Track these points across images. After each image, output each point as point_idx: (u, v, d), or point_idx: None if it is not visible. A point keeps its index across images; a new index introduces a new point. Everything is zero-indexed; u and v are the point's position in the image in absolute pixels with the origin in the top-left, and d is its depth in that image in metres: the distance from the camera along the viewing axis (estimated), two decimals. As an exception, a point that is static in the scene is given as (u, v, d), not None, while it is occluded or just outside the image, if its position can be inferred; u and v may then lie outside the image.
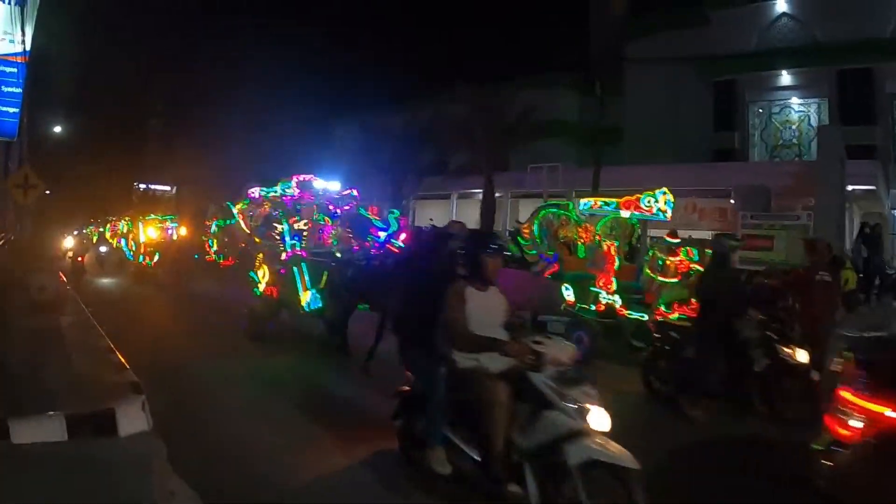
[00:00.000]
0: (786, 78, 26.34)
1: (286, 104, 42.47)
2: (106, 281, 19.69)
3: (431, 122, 21.43)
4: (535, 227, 9.98)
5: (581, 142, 29.57)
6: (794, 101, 26.56)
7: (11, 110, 10.40)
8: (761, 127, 26.97)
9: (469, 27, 61.30)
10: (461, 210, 27.81)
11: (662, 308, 8.71)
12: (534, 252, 10.04)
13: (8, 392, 4.08)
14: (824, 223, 14.28)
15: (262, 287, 10.20)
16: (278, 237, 9.94)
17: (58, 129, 36.05)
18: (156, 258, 19.99)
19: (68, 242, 25.62)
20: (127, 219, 24.74)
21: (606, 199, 9.38)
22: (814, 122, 26.03)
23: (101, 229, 36.59)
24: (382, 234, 9.95)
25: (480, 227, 20.12)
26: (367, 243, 10.04)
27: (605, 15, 37.80)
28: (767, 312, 6.71)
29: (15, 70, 10.06)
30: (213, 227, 20.71)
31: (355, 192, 10.71)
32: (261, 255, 10.38)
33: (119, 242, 24.18)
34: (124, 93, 49.42)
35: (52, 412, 3.30)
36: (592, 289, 9.47)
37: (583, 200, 9.98)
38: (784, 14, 26.46)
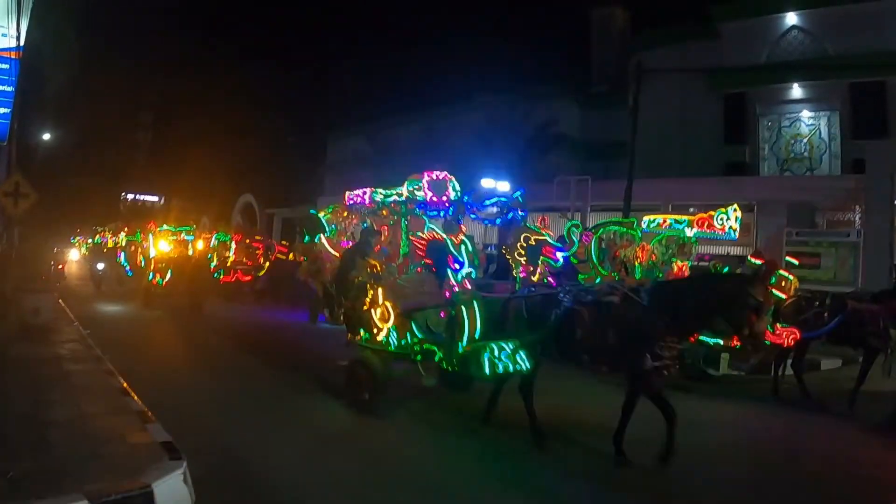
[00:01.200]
0: (796, 91, 25.92)
1: (283, 114, 41.60)
2: (108, 304, 17.32)
3: (443, 133, 20.54)
4: (592, 246, 9.19)
5: (585, 156, 28.94)
6: (805, 114, 26.07)
7: (2, 110, 9.47)
8: (772, 140, 26.46)
9: (470, 37, 61.08)
10: (472, 226, 27.07)
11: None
12: (591, 273, 9.25)
13: (9, 460, 3.17)
14: (875, 240, 13.61)
15: (380, 332, 7.34)
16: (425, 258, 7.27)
17: (47, 136, 34.96)
18: (167, 276, 17.18)
19: (73, 255, 24.46)
20: (126, 230, 22.82)
21: (677, 217, 8.62)
22: (824, 135, 25.59)
23: (91, 240, 35.26)
24: (560, 255, 7.63)
25: (498, 244, 19.29)
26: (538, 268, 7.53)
27: (607, 29, 37.68)
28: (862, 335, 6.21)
29: (7, 66, 9.12)
30: (213, 241, 19.69)
31: (519, 195, 7.79)
32: (380, 290, 7.50)
33: (118, 256, 21.95)
34: (113, 102, 48.41)
35: (71, 495, 2.44)
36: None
37: (647, 217, 9.18)
38: (794, 27, 26.07)
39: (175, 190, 49.45)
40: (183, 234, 18.75)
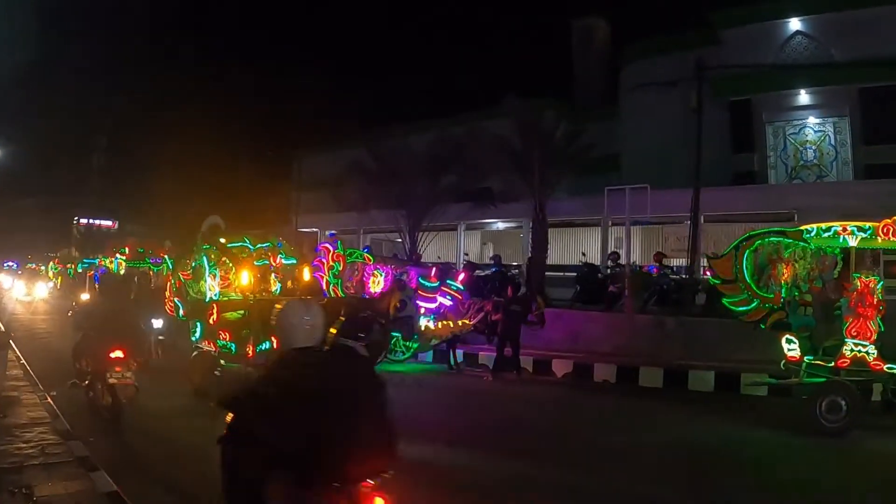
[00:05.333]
0: (803, 97, 25.37)
1: (252, 129, 39.43)
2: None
3: (460, 143, 18.84)
4: (744, 262, 7.65)
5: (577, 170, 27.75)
6: (812, 120, 25.53)
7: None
8: (779, 148, 25.81)
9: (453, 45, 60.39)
10: (469, 242, 25.51)
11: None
12: (744, 296, 7.70)
13: None
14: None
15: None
16: None
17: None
18: (250, 339, 9.34)
19: (41, 289, 18.83)
20: (125, 253, 15.62)
21: (861, 224, 7.14)
22: (832, 141, 25.07)
23: (74, 266, 31.57)
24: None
25: (532, 261, 17.71)
26: None
27: (588, 40, 36.90)
28: None
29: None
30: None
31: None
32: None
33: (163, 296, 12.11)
34: (66, 122, 45.39)
35: None
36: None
37: (814, 225, 7.69)
38: (798, 32, 25.59)
39: (131, 214, 46.35)
40: (280, 257, 11.01)
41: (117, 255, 15.95)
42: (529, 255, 18.08)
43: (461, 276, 11.21)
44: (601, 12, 37.20)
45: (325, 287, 11.46)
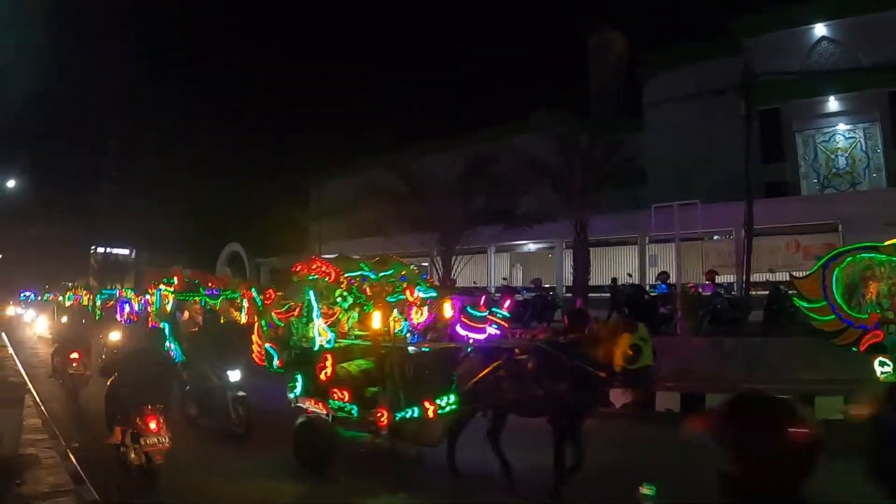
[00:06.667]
0: (832, 104, 24.87)
1: (269, 156, 39.32)
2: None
3: (488, 159, 18.31)
4: (833, 281, 7.11)
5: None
6: (842, 126, 24.97)
7: None
8: (810, 157, 25.22)
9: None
10: (498, 264, 25.01)
11: None
12: (830, 317, 7.15)
13: None
14: None
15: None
16: None
17: (11, 183, 31.98)
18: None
19: (114, 336, 13.97)
20: (174, 283, 12.50)
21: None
22: (864, 147, 24.49)
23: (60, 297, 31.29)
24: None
25: (575, 282, 17.10)
26: None
27: (605, 54, 36.60)
28: None
29: None
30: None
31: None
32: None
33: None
34: (79, 153, 45.48)
35: None
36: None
37: None
38: (824, 38, 25.15)
39: (148, 243, 46.19)
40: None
41: (161, 287, 12.92)
42: (572, 276, 17.37)
43: (507, 303, 9.62)
44: (617, 26, 36.99)
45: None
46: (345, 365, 7.61)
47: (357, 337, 8.10)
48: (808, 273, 7.61)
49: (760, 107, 25.57)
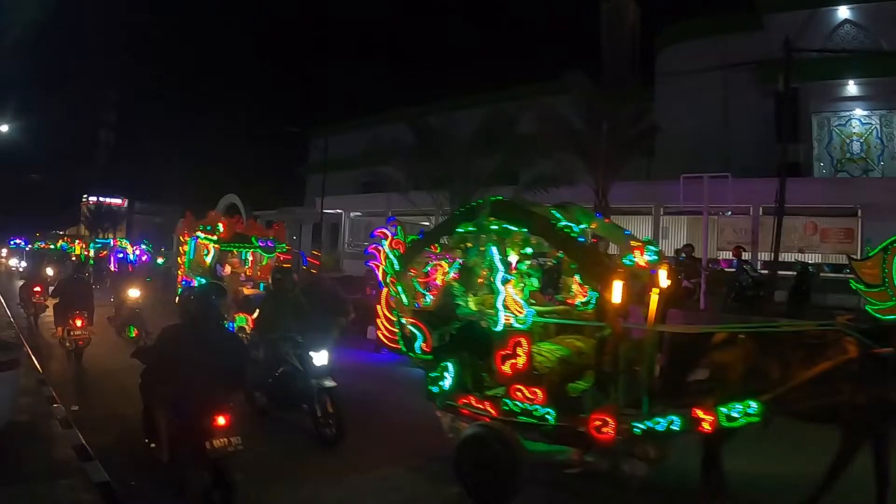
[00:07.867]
0: (851, 88, 24.60)
1: (268, 105, 38.56)
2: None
3: (512, 119, 17.85)
4: (894, 266, 6.83)
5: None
6: (859, 111, 24.77)
7: None
8: (825, 139, 25.03)
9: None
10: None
11: None
12: (890, 303, 6.88)
13: None
14: None
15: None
16: None
17: (4, 128, 30.99)
18: None
19: (133, 293, 12.00)
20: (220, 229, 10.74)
21: None
22: (880, 134, 24.33)
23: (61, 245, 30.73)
24: None
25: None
26: None
27: (618, 22, 36.00)
28: None
29: None
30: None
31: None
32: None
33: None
34: (76, 98, 44.35)
35: None
36: None
37: None
38: (846, 21, 24.81)
39: (141, 193, 45.40)
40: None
41: (198, 234, 10.69)
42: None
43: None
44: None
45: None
46: (544, 354, 5.52)
47: (543, 314, 5.92)
48: (868, 255, 7.34)
49: (777, 85, 25.41)
